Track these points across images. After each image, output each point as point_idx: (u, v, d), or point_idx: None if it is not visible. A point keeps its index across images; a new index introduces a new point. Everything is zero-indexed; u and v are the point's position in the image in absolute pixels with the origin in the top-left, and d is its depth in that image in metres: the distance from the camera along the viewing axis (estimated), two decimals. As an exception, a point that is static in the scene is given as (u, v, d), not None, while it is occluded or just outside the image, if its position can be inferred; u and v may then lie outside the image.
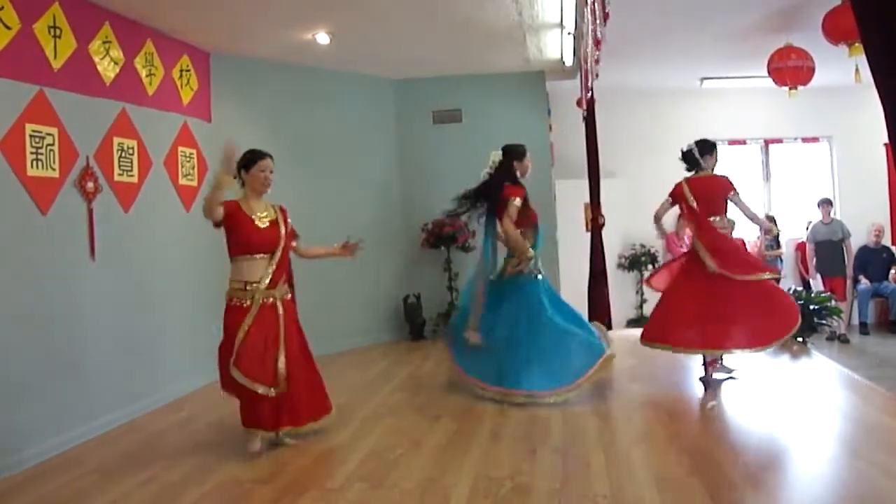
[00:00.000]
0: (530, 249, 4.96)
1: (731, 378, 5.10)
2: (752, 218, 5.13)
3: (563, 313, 4.99)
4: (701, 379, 5.12)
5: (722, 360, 5.16)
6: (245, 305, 3.88)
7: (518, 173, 5.06)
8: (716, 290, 4.86)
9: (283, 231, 4.03)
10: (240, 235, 3.91)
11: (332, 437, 4.19)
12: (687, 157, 5.21)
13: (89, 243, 4.63)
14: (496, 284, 5.06)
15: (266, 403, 3.87)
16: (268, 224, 3.99)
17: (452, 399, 5.07)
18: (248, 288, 3.90)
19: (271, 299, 3.94)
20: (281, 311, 3.97)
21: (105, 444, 4.34)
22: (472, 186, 5.18)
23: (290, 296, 4.11)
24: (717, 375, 5.12)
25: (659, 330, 5.07)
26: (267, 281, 3.92)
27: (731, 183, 5.08)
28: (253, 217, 3.96)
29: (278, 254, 3.98)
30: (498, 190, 4.98)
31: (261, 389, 3.81)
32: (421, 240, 7.61)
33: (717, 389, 4.93)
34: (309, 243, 4.36)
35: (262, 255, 3.94)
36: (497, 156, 5.10)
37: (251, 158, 4.01)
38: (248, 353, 3.80)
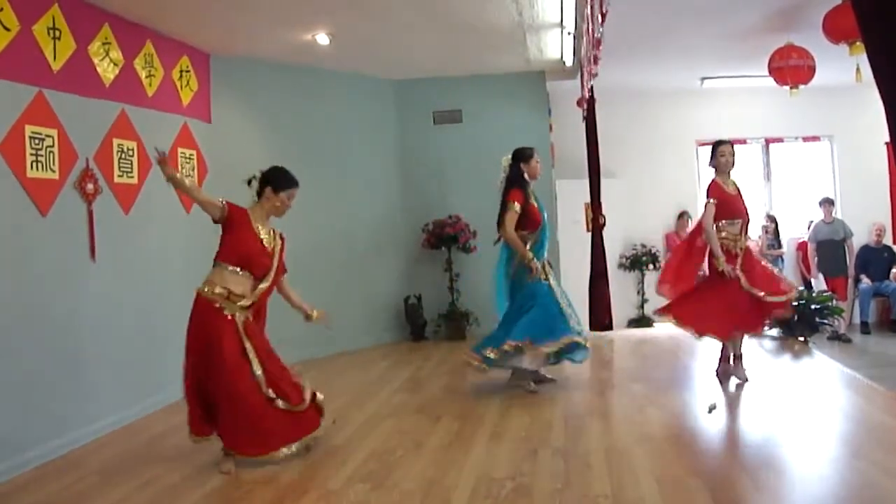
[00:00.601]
0: (529, 253, 5.01)
1: (745, 381, 5.05)
2: (706, 228, 5.05)
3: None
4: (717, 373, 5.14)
5: (742, 360, 5.11)
6: (227, 316, 3.70)
7: (526, 175, 5.15)
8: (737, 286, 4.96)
9: (275, 263, 3.86)
10: (241, 245, 3.75)
11: (332, 438, 4.18)
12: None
13: (89, 245, 4.63)
14: (511, 284, 5.19)
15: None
16: (269, 249, 3.85)
17: (453, 400, 5.07)
18: (230, 298, 3.72)
19: (248, 316, 3.80)
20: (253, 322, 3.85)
21: (105, 446, 4.34)
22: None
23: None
24: (737, 376, 5.09)
25: (690, 314, 5.03)
26: (249, 303, 3.77)
27: (708, 188, 5.13)
28: (260, 235, 3.81)
29: (265, 283, 3.82)
30: (505, 195, 5.11)
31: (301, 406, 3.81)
32: (422, 240, 7.61)
33: (727, 390, 4.91)
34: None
35: (251, 275, 3.79)
36: (507, 160, 5.23)
37: (285, 184, 3.85)
38: (275, 378, 3.75)
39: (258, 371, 3.71)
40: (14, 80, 4.06)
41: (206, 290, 3.73)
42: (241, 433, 3.70)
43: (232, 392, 3.67)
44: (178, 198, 5.61)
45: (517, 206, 4.99)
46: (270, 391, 3.71)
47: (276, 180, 3.85)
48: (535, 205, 5.14)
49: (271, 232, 3.92)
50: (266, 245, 3.84)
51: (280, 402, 3.74)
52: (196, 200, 3.81)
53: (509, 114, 7.76)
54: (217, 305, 3.70)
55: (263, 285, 3.83)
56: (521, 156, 5.17)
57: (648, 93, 9.15)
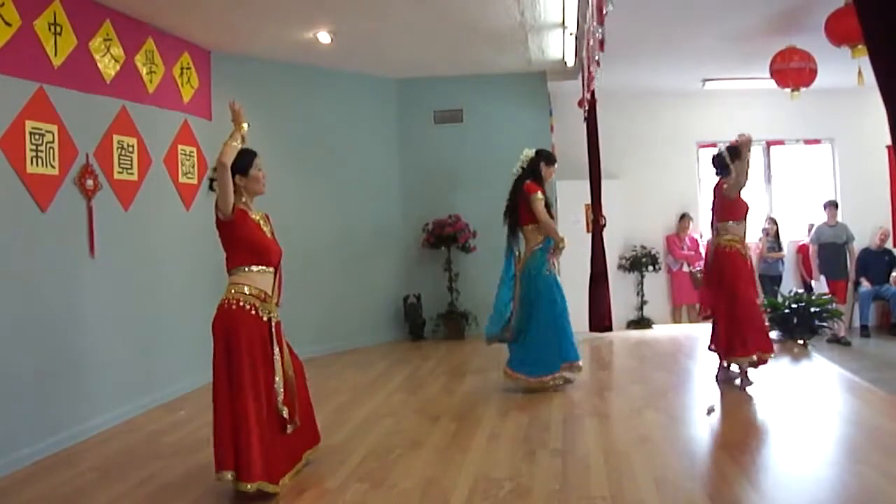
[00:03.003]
0: (564, 239, 5.12)
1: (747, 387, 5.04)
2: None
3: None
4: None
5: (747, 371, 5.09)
6: (263, 319, 3.45)
7: (543, 176, 5.23)
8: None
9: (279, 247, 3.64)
10: (254, 243, 3.48)
11: (331, 437, 4.17)
12: None
13: (89, 241, 4.62)
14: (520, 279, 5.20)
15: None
16: (270, 235, 3.63)
17: (452, 400, 5.06)
18: (265, 299, 3.47)
19: (278, 318, 3.56)
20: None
21: (104, 443, 4.34)
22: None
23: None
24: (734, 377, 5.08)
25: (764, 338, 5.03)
26: (276, 299, 3.55)
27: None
28: (261, 227, 3.58)
29: (279, 269, 3.62)
30: (520, 184, 5.18)
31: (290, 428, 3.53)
32: (421, 240, 7.61)
33: (726, 393, 4.91)
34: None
35: (270, 268, 3.54)
36: (527, 154, 5.28)
37: (247, 161, 3.55)
38: (292, 399, 3.53)
39: (279, 383, 3.44)
40: (15, 76, 4.06)
41: (233, 292, 3.41)
42: (255, 457, 3.28)
43: (249, 411, 3.30)
44: (177, 194, 5.61)
45: (540, 195, 5.09)
46: (286, 410, 3.46)
47: (239, 166, 3.52)
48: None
49: (261, 216, 3.64)
50: (268, 233, 3.61)
51: (289, 427, 3.49)
52: (224, 187, 3.41)
53: (510, 114, 7.75)
54: (251, 311, 3.41)
55: (279, 269, 3.60)
56: (545, 157, 5.28)
57: (650, 94, 9.14)
